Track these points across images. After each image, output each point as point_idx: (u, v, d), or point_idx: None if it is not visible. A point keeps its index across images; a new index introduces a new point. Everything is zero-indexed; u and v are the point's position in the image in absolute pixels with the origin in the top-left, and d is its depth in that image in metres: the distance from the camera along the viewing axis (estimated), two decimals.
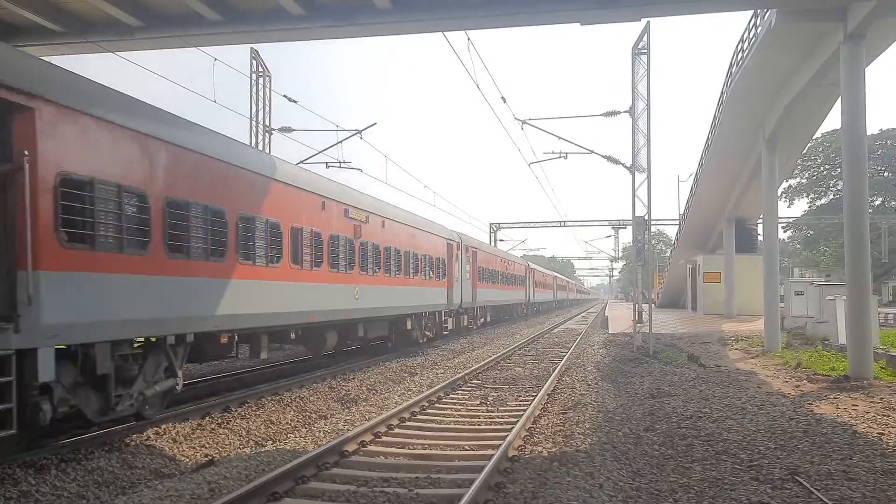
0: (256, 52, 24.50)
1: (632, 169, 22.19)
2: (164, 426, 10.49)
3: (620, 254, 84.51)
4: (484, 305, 35.25)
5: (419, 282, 22.98)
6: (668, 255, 63.93)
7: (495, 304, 38.72)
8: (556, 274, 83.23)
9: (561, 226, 68.87)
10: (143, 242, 9.58)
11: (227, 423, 11.14)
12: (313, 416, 12.38)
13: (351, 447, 8.94)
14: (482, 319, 36.16)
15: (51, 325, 7.97)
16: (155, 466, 8.76)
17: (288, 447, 9.45)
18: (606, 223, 69.34)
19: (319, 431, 10.47)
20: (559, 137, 25.75)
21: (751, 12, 20.14)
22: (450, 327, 27.91)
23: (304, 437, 10.13)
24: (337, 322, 16.70)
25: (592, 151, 24.85)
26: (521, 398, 13.39)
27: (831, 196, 66.24)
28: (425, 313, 24.29)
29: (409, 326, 22.44)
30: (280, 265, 13.49)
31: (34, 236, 7.76)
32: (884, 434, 9.63)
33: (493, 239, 69.06)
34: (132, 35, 13.38)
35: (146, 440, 9.77)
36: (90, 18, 13.37)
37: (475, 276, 32.38)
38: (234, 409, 12.10)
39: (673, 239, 59.56)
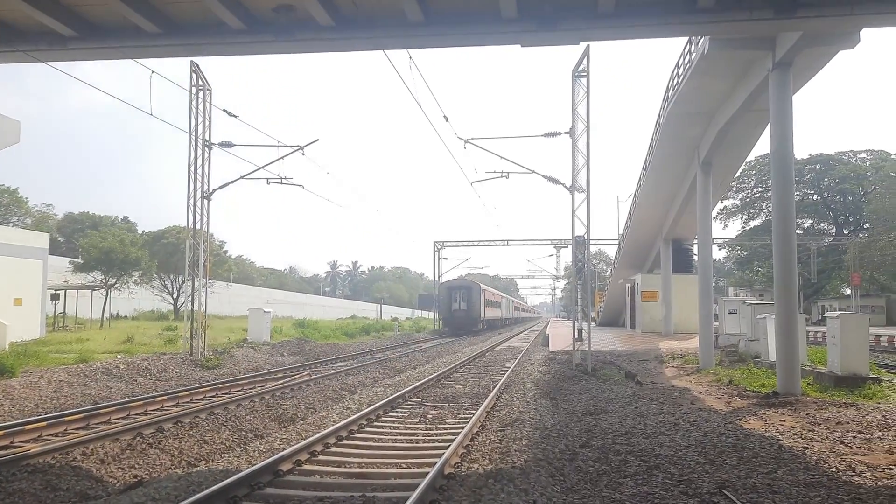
0: (196, 65, 24.17)
1: (572, 189, 22.56)
2: (91, 446, 10.18)
3: (562, 272, 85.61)
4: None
5: None
6: (608, 273, 65.08)
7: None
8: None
9: (504, 245, 69.56)
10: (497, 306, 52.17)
11: (159, 443, 10.87)
12: (249, 435, 12.18)
13: (286, 466, 8.82)
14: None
15: None
16: (80, 489, 8.48)
17: (221, 467, 9.26)
18: (548, 242, 70.31)
19: (254, 451, 10.30)
20: (501, 157, 26.11)
21: (685, 39, 20.81)
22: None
23: (238, 457, 9.96)
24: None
25: (533, 171, 25.19)
26: (460, 416, 13.42)
27: (764, 217, 68.46)
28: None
29: None
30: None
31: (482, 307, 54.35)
32: (808, 448, 9.97)
33: (437, 257, 69.32)
34: (65, 45, 12.99)
35: (72, 461, 9.46)
36: (20, 27, 12.97)
37: None
38: (166, 429, 11.82)
39: (613, 258, 60.69)
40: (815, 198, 70.97)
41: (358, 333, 48.11)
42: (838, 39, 15.58)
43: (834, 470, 8.75)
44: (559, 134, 23.43)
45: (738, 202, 72.35)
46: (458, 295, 56.28)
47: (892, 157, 68.70)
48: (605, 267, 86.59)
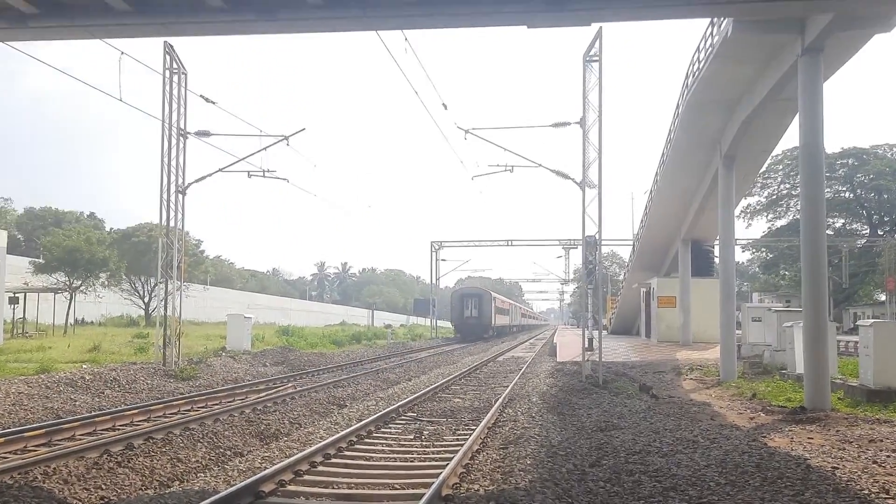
0: (170, 46, 24.12)
1: (582, 184, 22.56)
2: (54, 465, 10.17)
3: (571, 276, 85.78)
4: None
5: None
6: (621, 277, 65.15)
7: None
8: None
9: (507, 245, 69.66)
10: (506, 313, 66.61)
11: (129, 461, 10.85)
12: (228, 452, 12.17)
13: (268, 487, 8.82)
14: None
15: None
16: None
17: (196, 488, 9.28)
18: (556, 243, 70.45)
19: (233, 470, 10.31)
20: (505, 149, 26.05)
21: (707, 21, 20.81)
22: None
23: (215, 477, 9.97)
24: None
25: (540, 165, 25.25)
26: (459, 432, 13.44)
27: (791, 216, 68.33)
28: None
29: None
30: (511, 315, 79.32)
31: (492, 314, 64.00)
32: (838, 468, 9.97)
33: (434, 258, 69.40)
34: (25, 24, 12.94)
35: (32, 481, 9.44)
36: None
37: None
38: (137, 446, 11.80)
39: (626, 260, 60.80)
40: (847, 195, 71.05)
41: (347, 342, 48.14)
42: (873, 22, 15.59)
43: (866, 492, 8.76)
44: (569, 124, 23.43)
45: (763, 200, 72.41)
46: (471, 302, 60.92)
47: None
48: (618, 270, 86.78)
